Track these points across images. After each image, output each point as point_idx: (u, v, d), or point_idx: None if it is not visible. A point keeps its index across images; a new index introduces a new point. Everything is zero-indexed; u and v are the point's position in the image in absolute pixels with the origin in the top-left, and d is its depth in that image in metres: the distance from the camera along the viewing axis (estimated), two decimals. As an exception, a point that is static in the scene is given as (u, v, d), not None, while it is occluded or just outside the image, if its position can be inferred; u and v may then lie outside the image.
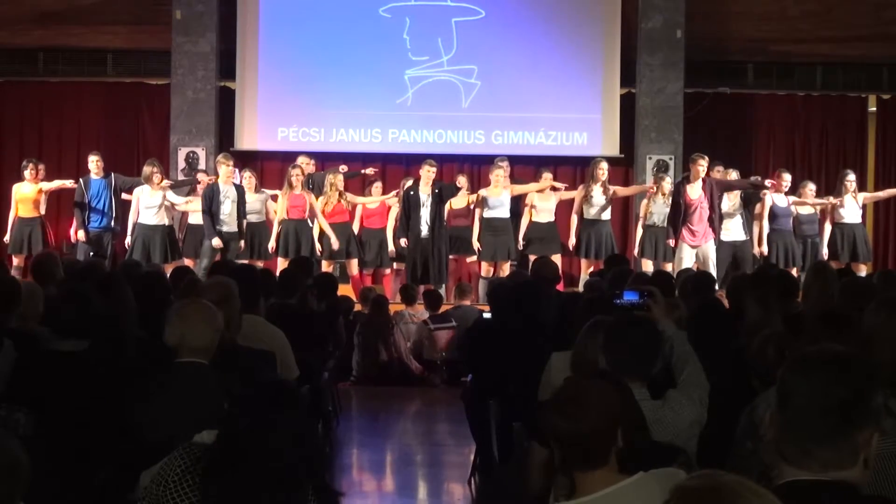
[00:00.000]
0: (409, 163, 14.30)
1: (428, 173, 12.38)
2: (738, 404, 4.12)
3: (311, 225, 12.45)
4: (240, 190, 12.28)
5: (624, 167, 14.35)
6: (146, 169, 12.62)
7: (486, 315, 8.36)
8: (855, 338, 4.15)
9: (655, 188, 12.69)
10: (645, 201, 12.68)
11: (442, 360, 10.97)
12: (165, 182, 12.58)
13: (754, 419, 3.83)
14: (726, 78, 14.67)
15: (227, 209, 12.14)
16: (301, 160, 12.90)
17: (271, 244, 12.38)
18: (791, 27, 14.50)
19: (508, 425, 5.24)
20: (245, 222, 12.23)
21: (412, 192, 12.37)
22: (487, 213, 12.52)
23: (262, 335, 5.39)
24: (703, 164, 12.09)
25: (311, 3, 14.61)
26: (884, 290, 5.79)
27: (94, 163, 12.68)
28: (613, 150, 14.29)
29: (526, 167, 13.40)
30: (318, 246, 12.40)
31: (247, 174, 12.62)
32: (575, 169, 14.55)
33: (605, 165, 12.68)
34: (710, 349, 4.63)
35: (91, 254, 12.23)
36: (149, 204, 12.48)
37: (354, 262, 12.64)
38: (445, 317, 11.23)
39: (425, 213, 12.28)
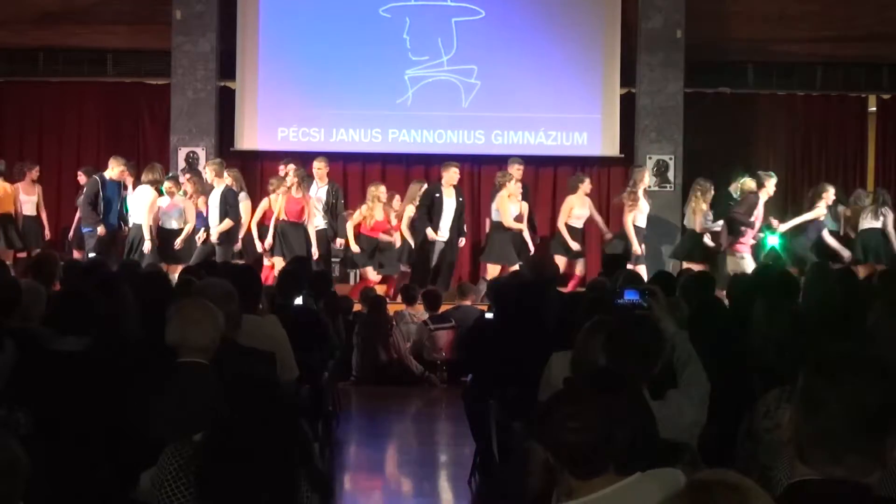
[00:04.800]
0: (409, 163, 14.29)
1: (453, 175, 12.40)
2: (739, 404, 4.11)
3: (306, 227, 12.44)
4: (230, 193, 12.38)
5: (624, 167, 14.34)
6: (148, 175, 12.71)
7: (488, 315, 8.36)
8: (854, 338, 4.15)
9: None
10: (704, 207, 12.75)
11: (442, 360, 10.98)
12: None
13: (755, 420, 3.82)
14: (726, 78, 14.65)
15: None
16: (318, 161, 12.96)
17: (268, 242, 12.40)
18: (791, 27, 14.48)
19: (508, 425, 5.23)
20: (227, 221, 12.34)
21: (437, 195, 12.35)
22: (497, 217, 12.58)
23: (262, 335, 5.39)
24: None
25: (311, 3, 14.60)
26: (884, 290, 5.79)
27: (116, 169, 12.69)
28: (613, 150, 14.29)
29: (526, 167, 13.38)
30: (315, 251, 12.36)
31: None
32: (575, 169, 14.54)
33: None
34: (710, 349, 4.62)
35: (92, 254, 12.24)
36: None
37: (370, 269, 12.59)
38: (445, 317, 11.24)
39: (447, 217, 12.27)
